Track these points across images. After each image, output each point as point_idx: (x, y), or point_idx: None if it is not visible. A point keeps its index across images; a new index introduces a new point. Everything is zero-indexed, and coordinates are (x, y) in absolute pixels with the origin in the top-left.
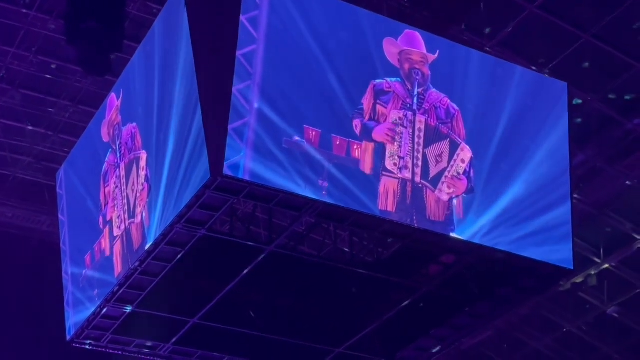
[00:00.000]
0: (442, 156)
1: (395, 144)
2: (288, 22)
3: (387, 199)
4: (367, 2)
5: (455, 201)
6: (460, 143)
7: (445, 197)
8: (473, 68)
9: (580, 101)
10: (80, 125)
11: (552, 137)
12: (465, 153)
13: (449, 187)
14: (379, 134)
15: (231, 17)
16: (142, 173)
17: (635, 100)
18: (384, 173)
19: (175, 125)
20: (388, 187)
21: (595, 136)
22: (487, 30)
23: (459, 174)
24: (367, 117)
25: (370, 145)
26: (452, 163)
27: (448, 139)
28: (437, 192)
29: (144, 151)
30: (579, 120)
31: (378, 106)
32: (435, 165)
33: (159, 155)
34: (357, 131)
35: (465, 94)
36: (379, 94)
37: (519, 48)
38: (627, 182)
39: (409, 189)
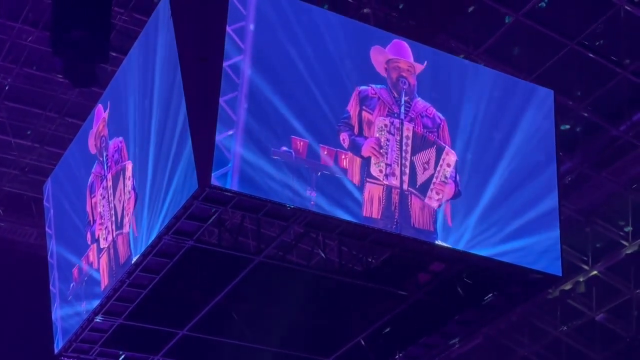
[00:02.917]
0: (429, 163)
1: (382, 152)
2: (274, 32)
3: (371, 206)
4: (354, 12)
5: (444, 208)
6: (445, 147)
7: (435, 204)
8: (459, 76)
9: (568, 126)
10: (66, 137)
11: (539, 145)
12: (450, 157)
13: (437, 193)
14: (366, 150)
15: (217, 28)
16: (129, 182)
17: (620, 107)
18: (368, 179)
19: (163, 136)
20: (373, 194)
21: (581, 143)
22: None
23: (446, 177)
24: (355, 128)
25: (358, 159)
26: (438, 168)
27: (435, 146)
28: (426, 199)
29: (129, 161)
30: (566, 127)
31: (364, 112)
32: (423, 173)
33: (146, 167)
34: (345, 145)
35: (451, 103)
36: (364, 100)
37: (505, 56)
38: (614, 188)
39: (395, 195)
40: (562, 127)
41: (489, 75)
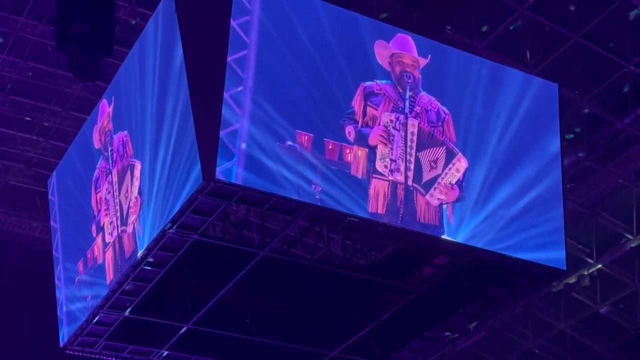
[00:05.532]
0: (438, 162)
1: (387, 146)
2: (279, 27)
3: (377, 202)
4: (357, 6)
5: (445, 206)
6: (457, 153)
7: (435, 202)
8: (463, 70)
9: (572, 136)
10: (71, 131)
11: (544, 138)
12: (462, 163)
13: (440, 193)
14: (373, 138)
15: (222, 22)
16: (136, 183)
17: (625, 100)
18: (374, 175)
19: (168, 130)
20: (378, 190)
21: (585, 136)
22: (482, 29)
23: (452, 183)
24: (360, 122)
25: (364, 151)
26: (446, 171)
27: (444, 147)
28: (427, 196)
29: (138, 160)
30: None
31: (368, 108)
32: (429, 171)
33: (152, 161)
34: (351, 138)
35: (455, 96)
36: (369, 95)
37: (509, 49)
38: (618, 182)
39: (400, 191)
40: (567, 137)
41: (493, 68)
